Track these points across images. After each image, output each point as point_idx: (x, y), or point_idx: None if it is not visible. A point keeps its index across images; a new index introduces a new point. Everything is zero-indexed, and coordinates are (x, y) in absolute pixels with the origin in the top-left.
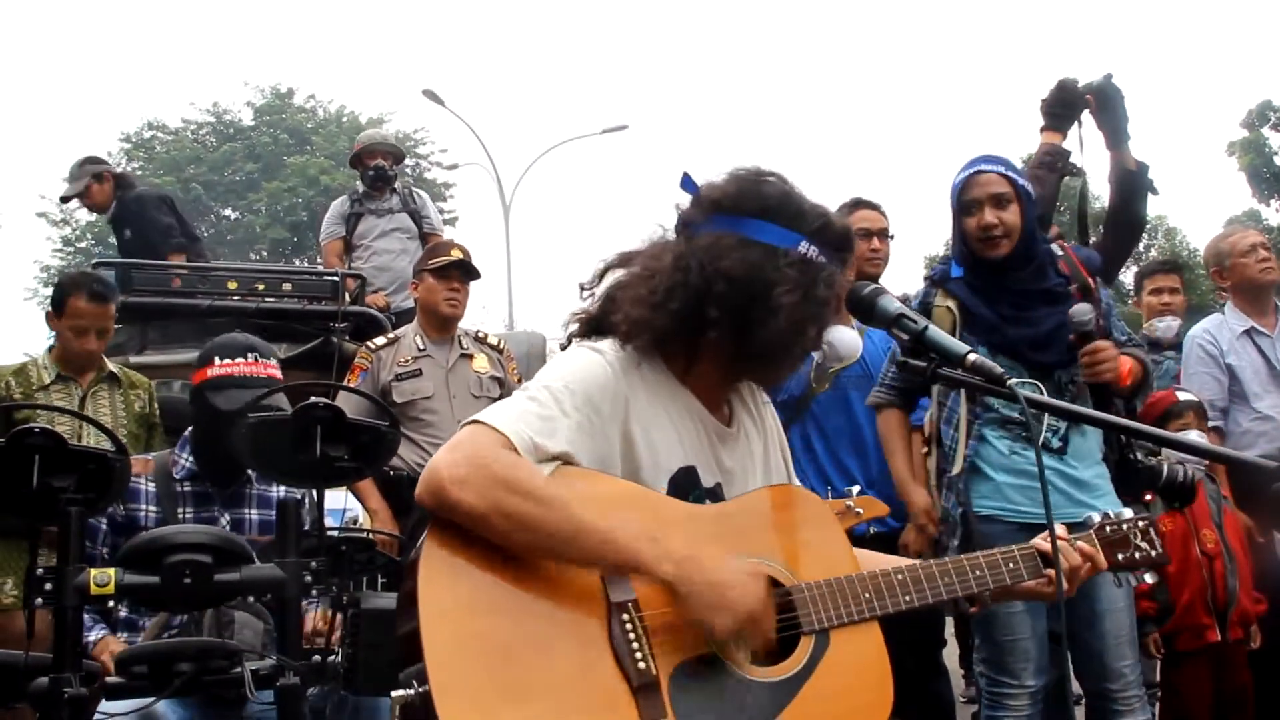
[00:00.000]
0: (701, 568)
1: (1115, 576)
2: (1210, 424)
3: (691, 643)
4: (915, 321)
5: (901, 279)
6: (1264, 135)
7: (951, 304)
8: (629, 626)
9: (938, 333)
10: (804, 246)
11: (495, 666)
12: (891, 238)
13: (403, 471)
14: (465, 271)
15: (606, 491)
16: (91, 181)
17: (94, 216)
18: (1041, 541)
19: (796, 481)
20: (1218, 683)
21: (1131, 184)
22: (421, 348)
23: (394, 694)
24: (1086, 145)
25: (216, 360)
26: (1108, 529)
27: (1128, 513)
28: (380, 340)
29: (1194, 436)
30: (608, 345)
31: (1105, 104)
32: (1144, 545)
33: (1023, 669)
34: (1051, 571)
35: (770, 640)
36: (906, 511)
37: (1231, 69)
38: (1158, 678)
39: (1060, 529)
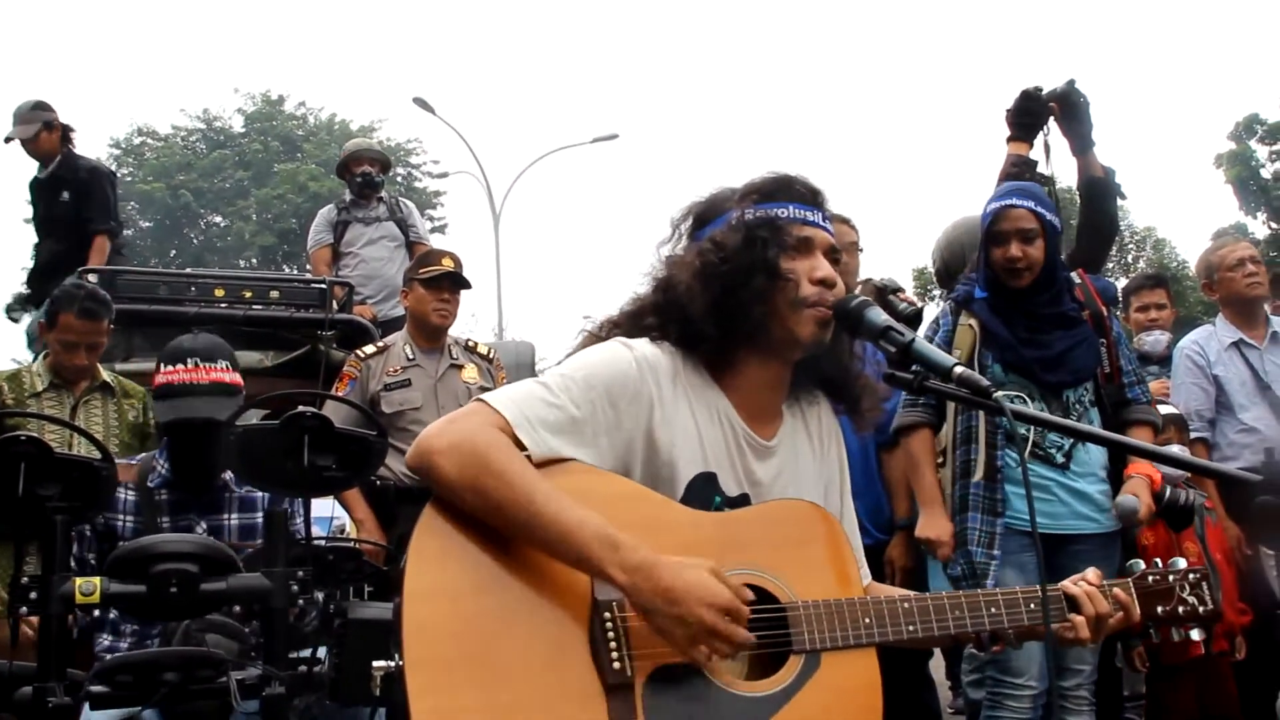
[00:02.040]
0: (654, 577)
1: (1151, 630)
2: (1197, 435)
3: (672, 649)
4: (902, 334)
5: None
6: (1251, 148)
7: (973, 323)
8: (609, 626)
9: (924, 345)
10: (732, 218)
11: (469, 649)
12: (861, 251)
13: (389, 481)
14: (455, 282)
15: (608, 491)
16: (43, 129)
17: None
18: (1070, 584)
19: (850, 516)
20: (1203, 695)
21: (1100, 190)
22: (411, 357)
23: (376, 663)
24: (1053, 153)
25: (163, 366)
26: (1150, 579)
27: (1179, 563)
28: (370, 349)
29: (1175, 451)
30: (641, 342)
31: (1069, 111)
32: (1191, 600)
33: (1027, 668)
34: (1077, 617)
35: (739, 650)
36: (921, 538)
37: (1219, 82)
38: (1143, 690)
39: (1094, 574)
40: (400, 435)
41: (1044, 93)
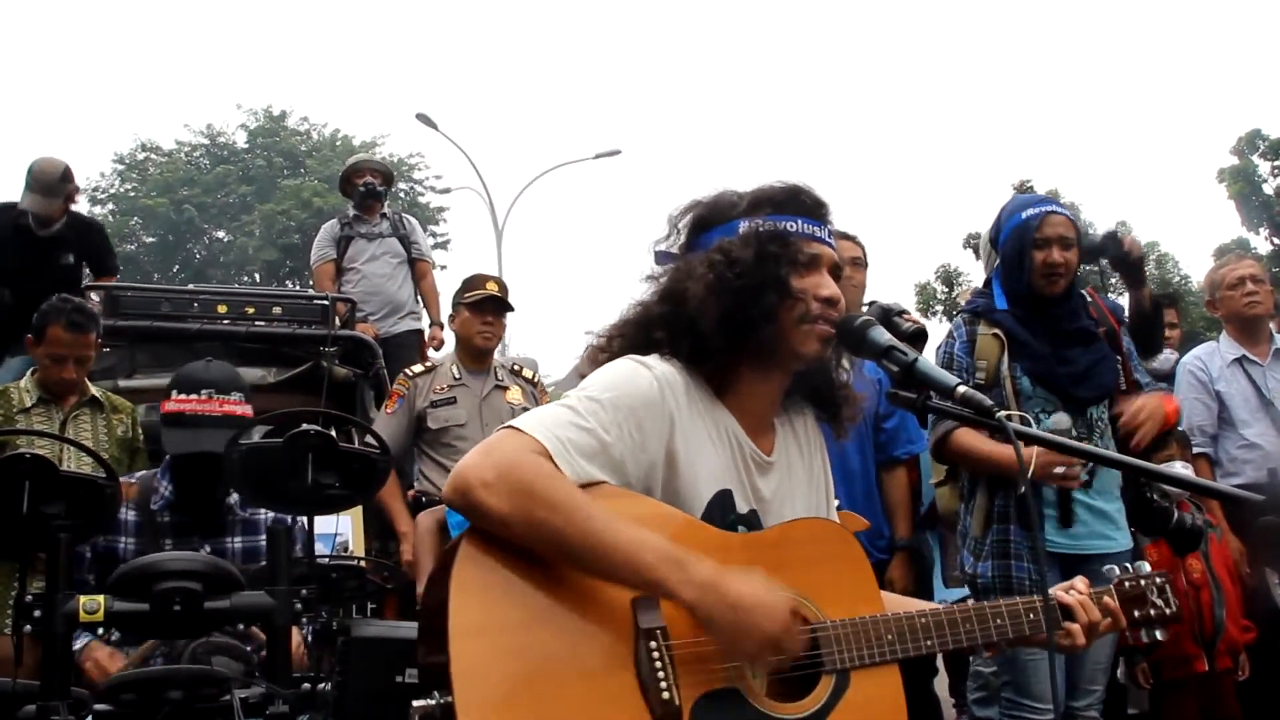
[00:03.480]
0: (723, 593)
1: (1127, 634)
2: (1200, 450)
3: (715, 676)
4: (905, 353)
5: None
6: (1253, 163)
7: (998, 332)
8: (655, 655)
9: (928, 365)
10: (742, 227)
11: (519, 687)
12: (866, 266)
13: (434, 496)
14: (499, 305)
15: (640, 512)
16: (62, 204)
17: None
18: (1063, 593)
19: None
20: (1206, 712)
21: (1147, 322)
22: (457, 377)
23: (415, 703)
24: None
25: (174, 394)
26: (1126, 584)
27: (1145, 567)
28: (418, 368)
29: (1178, 468)
30: (655, 359)
31: (1114, 261)
32: (1159, 602)
33: (1046, 691)
34: (1072, 625)
35: (791, 660)
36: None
37: (1221, 97)
38: (1146, 707)
39: (1082, 583)
40: (444, 450)
41: (1085, 240)
